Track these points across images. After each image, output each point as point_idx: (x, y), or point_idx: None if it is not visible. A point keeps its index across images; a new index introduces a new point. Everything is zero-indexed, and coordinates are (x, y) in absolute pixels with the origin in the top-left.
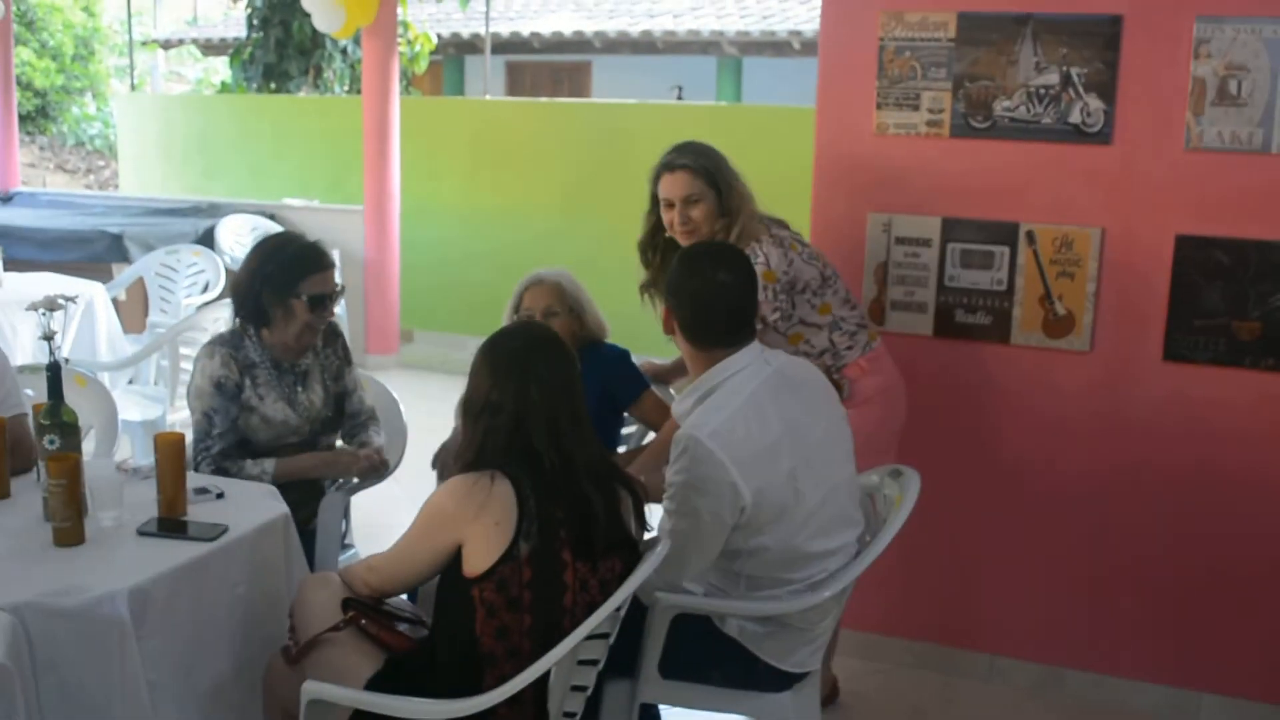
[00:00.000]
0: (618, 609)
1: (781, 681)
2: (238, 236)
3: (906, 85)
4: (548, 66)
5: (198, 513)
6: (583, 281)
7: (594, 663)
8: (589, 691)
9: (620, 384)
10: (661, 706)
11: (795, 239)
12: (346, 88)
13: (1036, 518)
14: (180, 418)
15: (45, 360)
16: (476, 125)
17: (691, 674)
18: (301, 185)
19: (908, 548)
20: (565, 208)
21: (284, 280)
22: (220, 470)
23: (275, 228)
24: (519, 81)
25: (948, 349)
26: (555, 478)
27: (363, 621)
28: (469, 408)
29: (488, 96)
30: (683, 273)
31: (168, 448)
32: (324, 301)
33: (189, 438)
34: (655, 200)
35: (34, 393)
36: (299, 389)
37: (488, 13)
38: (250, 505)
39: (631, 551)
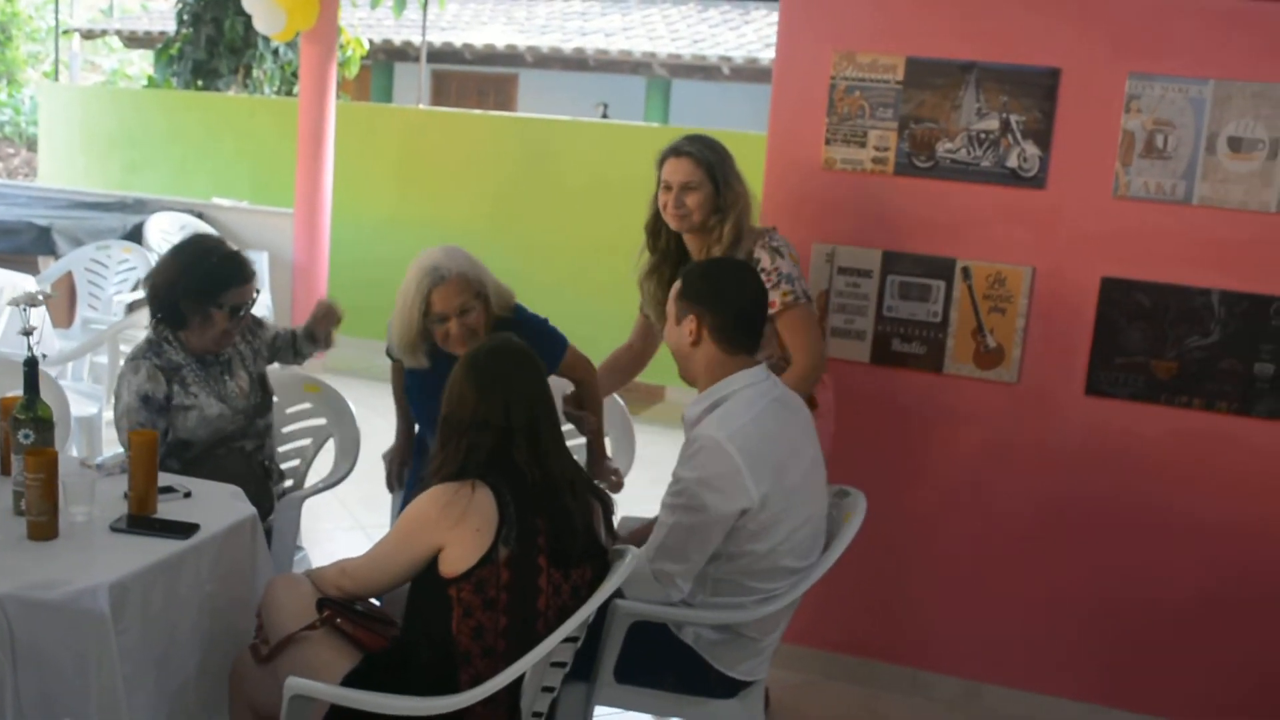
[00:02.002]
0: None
1: (730, 689)
2: (166, 234)
3: (855, 123)
4: (473, 77)
5: (166, 511)
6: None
7: (562, 665)
8: (556, 692)
9: (544, 350)
10: (613, 710)
11: (787, 247)
12: (276, 89)
13: (962, 538)
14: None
15: None
16: (408, 133)
17: (645, 679)
18: (228, 185)
19: (837, 563)
20: (494, 218)
21: (206, 290)
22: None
23: (204, 226)
24: (444, 91)
25: (884, 376)
26: (535, 490)
27: (338, 620)
28: (452, 424)
29: (421, 105)
30: (719, 279)
31: (141, 446)
32: (242, 310)
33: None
34: (659, 184)
35: None
36: (225, 378)
37: (424, 22)
38: (218, 505)
39: (601, 560)
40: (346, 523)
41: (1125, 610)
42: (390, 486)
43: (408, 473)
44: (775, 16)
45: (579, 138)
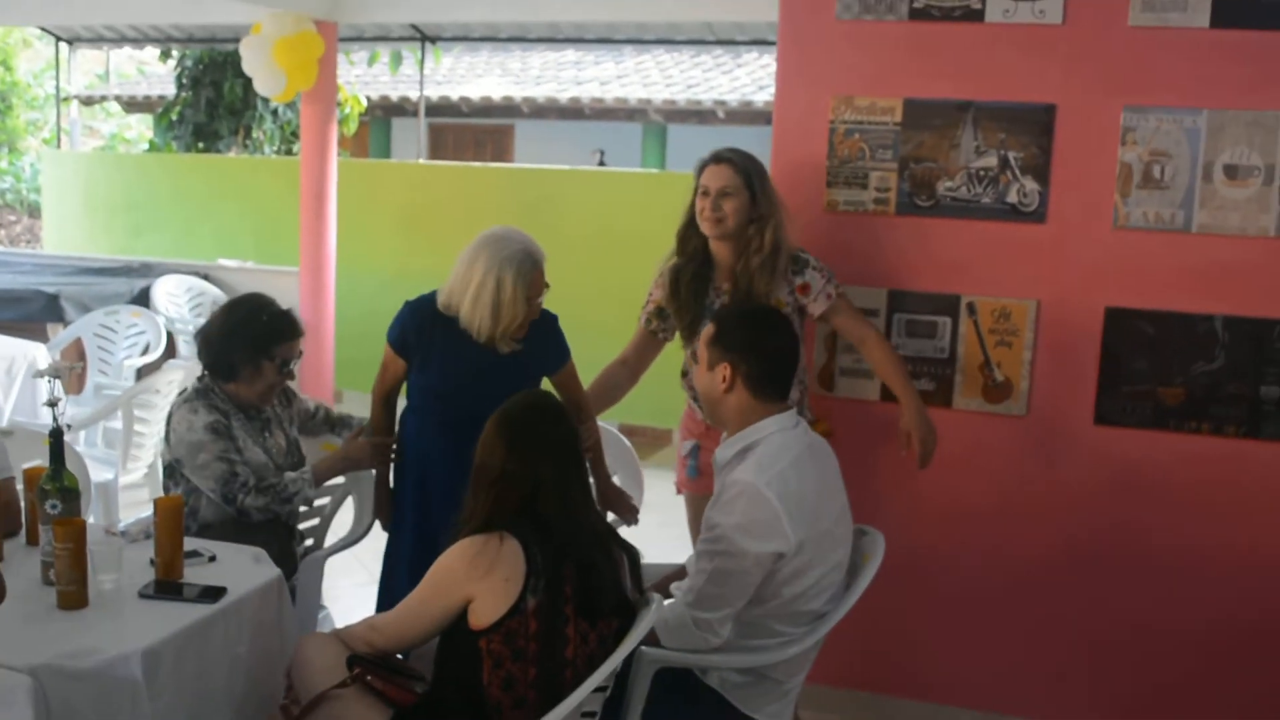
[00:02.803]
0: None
1: None
2: (173, 297)
3: (855, 165)
4: (470, 129)
5: (191, 575)
6: None
7: (592, 715)
8: None
9: (551, 351)
10: None
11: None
12: (276, 148)
13: (977, 572)
14: (131, 479)
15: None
16: (410, 188)
17: None
18: (232, 246)
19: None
20: None
21: (259, 342)
22: (265, 492)
23: (212, 289)
24: (442, 144)
25: (894, 413)
26: (563, 542)
27: (369, 677)
28: (482, 477)
29: (421, 160)
30: (756, 329)
31: (167, 512)
32: (290, 364)
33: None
34: (696, 190)
35: None
36: (265, 435)
37: (421, 77)
38: (242, 568)
39: (628, 611)
40: (362, 578)
41: (1142, 638)
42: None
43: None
44: (766, 59)
45: (578, 186)
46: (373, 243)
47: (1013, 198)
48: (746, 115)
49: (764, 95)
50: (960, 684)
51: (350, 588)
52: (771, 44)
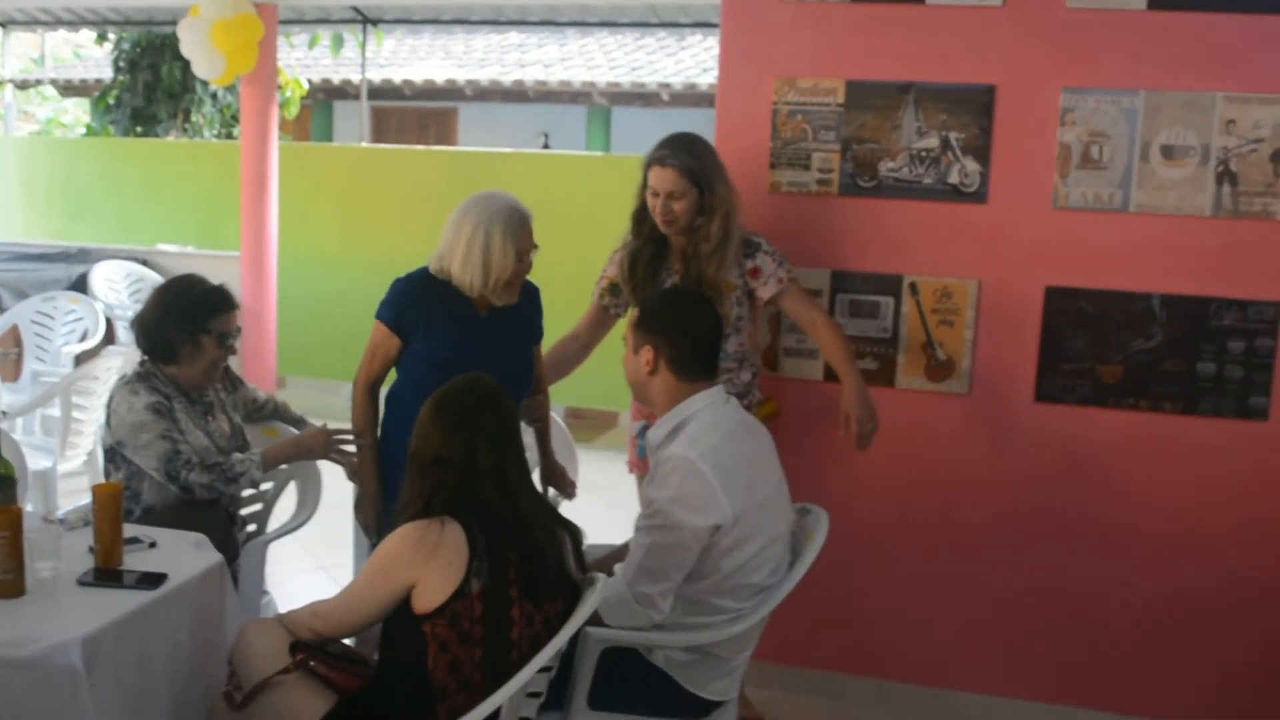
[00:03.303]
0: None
1: (702, 710)
2: (111, 283)
3: (798, 146)
4: (413, 112)
5: (131, 562)
6: None
7: (538, 695)
8: None
9: (534, 321)
10: None
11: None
12: (216, 132)
13: (921, 549)
14: (70, 467)
15: None
16: (352, 171)
17: (619, 705)
18: (172, 231)
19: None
20: None
21: (195, 318)
22: (210, 470)
23: (151, 274)
24: (385, 127)
25: (838, 392)
26: (503, 525)
27: (311, 663)
28: (417, 462)
29: (364, 144)
30: (675, 311)
31: (106, 498)
32: (229, 338)
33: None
34: (644, 187)
35: None
36: (208, 419)
37: (364, 60)
38: (183, 554)
39: (572, 592)
40: (307, 564)
41: (1084, 610)
42: (370, 536)
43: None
44: (710, 42)
45: (524, 168)
46: (315, 227)
47: (954, 178)
48: (691, 98)
49: (708, 78)
50: (905, 659)
51: (292, 573)
52: (716, 25)
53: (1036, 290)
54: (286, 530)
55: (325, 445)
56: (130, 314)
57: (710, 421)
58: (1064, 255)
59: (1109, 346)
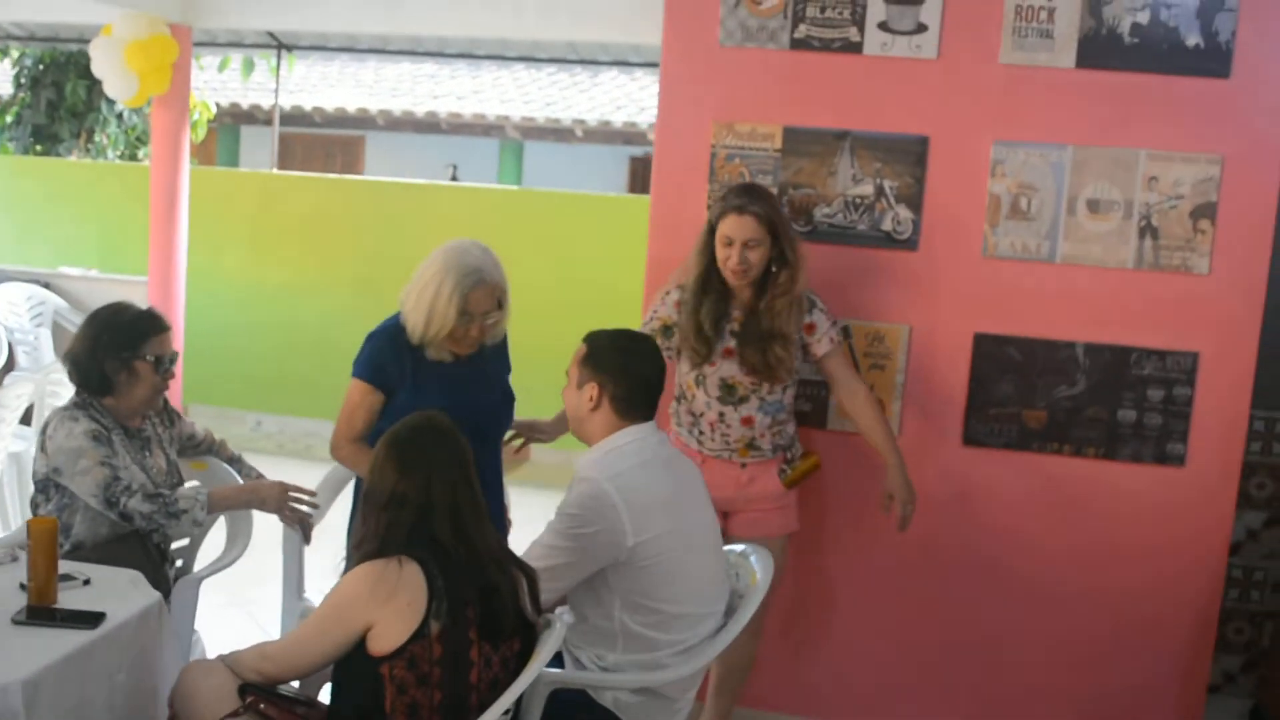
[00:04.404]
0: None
1: None
2: (12, 306)
3: None
4: (320, 139)
5: (66, 600)
6: None
7: None
8: None
9: (504, 369)
10: None
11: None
12: (120, 153)
13: (851, 587)
14: None
15: None
16: (263, 198)
17: None
18: (73, 253)
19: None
20: (355, 283)
21: (126, 344)
22: (152, 499)
23: (53, 297)
24: (290, 154)
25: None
26: (460, 564)
27: (262, 705)
28: (372, 499)
29: (275, 170)
30: (626, 353)
31: (41, 534)
32: (165, 361)
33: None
34: (709, 239)
35: None
36: (145, 454)
37: (278, 87)
38: (119, 591)
39: (529, 631)
40: (222, 599)
41: (1002, 646)
42: None
43: None
44: (623, 79)
45: (438, 200)
46: (223, 254)
47: (887, 225)
48: (604, 134)
49: (622, 115)
50: (838, 697)
51: (208, 609)
52: (634, 65)
53: (965, 336)
54: (219, 567)
55: (279, 500)
56: (33, 338)
57: (632, 450)
58: (992, 303)
59: (1034, 392)
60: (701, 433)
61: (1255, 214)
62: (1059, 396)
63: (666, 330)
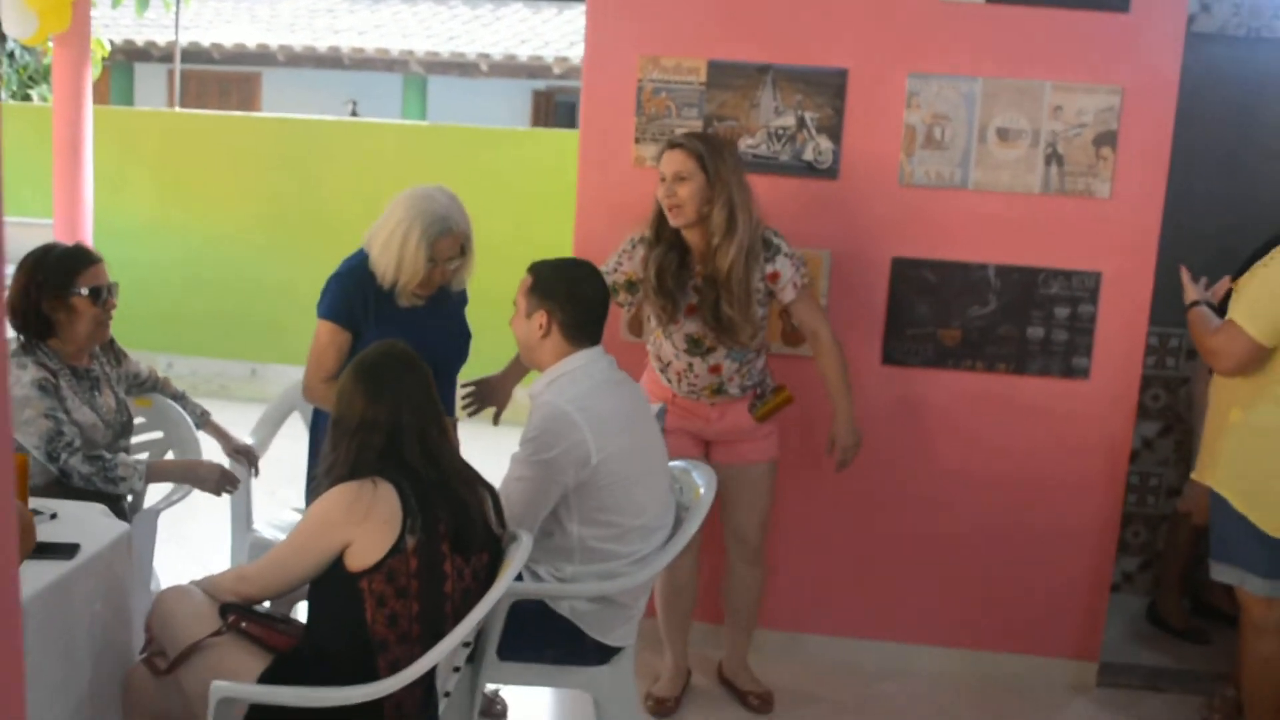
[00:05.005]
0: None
1: (604, 655)
2: None
3: (662, 122)
4: (215, 76)
5: (38, 535)
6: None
7: (468, 645)
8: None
9: (464, 324)
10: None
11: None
12: (12, 93)
13: (780, 502)
14: None
15: None
16: (167, 137)
17: (527, 654)
18: None
19: None
20: (262, 222)
21: (60, 282)
22: (92, 461)
23: None
24: (186, 91)
25: None
26: (430, 483)
27: (243, 624)
28: (342, 427)
29: (178, 109)
30: (571, 281)
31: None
32: (103, 293)
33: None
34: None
35: None
36: (95, 394)
37: (177, 22)
38: (89, 524)
39: (495, 545)
40: (163, 534)
41: (930, 554)
42: None
43: None
44: (526, 13)
45: (344, 137)
46: (127, 194)
47: (809, 155)
48: (509, 68)
49: (527, 49)
50: (770, 606)
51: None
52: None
53: (884, 261)
54: (175, 499)
55: (217, 483)
56: None
57: (584, 374)
58: (909, 228)
59: (949, 313)
60: (669, 379)
61: (1152, 141)
62: (972, 316)
63: (631, 285)
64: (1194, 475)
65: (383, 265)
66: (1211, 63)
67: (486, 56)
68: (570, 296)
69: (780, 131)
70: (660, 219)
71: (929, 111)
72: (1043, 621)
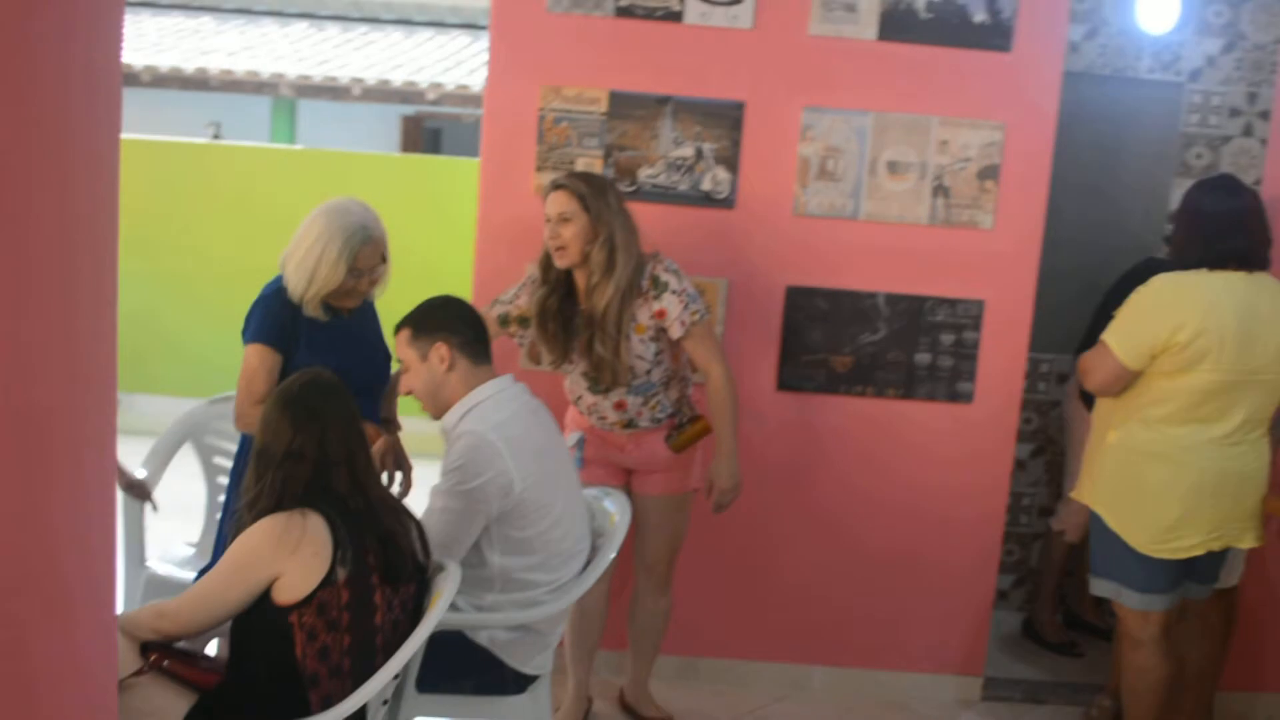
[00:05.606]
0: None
1: (522, 685)
2: None
3: (563, 151)
4: None
5: None
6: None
7: (397, 678)
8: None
9: (381, 339)
10: None
11: (677, 267)
12: None
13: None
14: None
15: None
16: None
17: (445, 685)
18: None
19: None
20: (124, 245)
21: None
22: None
23: None
24: None
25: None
26: (358, 513)
27: (165, 663)
28: (266, 457)
29: None
30: (446, 308)
31: None
32: None
33: None
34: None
35: None
36: None
37: None
38: None
39: (422, 575)
40: None
41: (821, 575)
42: None
43: None
44: (398, 36)
45: (210, 161)
46: None
47: (707, 185)
48: (382, 93)
49: (401, 74)
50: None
51: None
52: (418, 25)
53: (778, 289)
54: None
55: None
56: None
57: (497, 402)
58: (803, 257)
59: (841, 340)
60: (584, 411)
61: (1032, 175)
62: (863, 343)
63: (524, 320)
64: (1073, 494)
65: (295, 280)
66: (1079, 100)
67: (360, 81)
68: (455, 318)
69: (679, 162)
70: (548, 260)
71: (823, 144)
72: (929, 638)
